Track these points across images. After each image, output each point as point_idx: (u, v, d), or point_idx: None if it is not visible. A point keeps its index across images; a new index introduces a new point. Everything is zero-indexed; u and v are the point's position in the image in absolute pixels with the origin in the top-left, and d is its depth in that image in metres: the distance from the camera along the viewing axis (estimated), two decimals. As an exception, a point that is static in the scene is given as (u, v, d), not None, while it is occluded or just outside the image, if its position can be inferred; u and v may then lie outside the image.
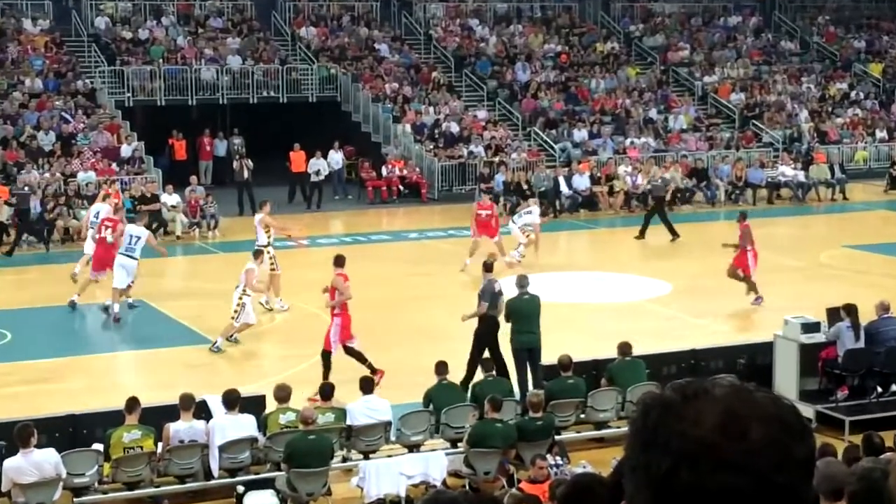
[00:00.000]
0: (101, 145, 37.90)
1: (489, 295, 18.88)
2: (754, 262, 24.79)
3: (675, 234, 32.68)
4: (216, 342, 21.71)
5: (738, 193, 40.60)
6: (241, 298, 21.70)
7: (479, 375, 17.46)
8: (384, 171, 40.68)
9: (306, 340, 22.15)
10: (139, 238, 24.27)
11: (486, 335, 18.64)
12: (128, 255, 24.04)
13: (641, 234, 32.92)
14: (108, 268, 24.13)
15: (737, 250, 24.96)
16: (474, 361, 18.21)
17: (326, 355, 18.86)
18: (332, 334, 18.85)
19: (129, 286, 24.25)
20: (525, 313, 18.44)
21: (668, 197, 35.53)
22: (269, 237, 24.39)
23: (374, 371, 18.42)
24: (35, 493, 13.68)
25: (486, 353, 18.32)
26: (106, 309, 24.19)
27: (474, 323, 18.95)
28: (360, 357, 18.92)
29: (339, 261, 19.71)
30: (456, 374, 16.97)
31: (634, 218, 37.78)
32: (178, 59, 43.51)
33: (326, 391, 16.13)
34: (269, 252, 24.00)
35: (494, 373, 17.19)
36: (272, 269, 24.02)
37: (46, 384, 19.54)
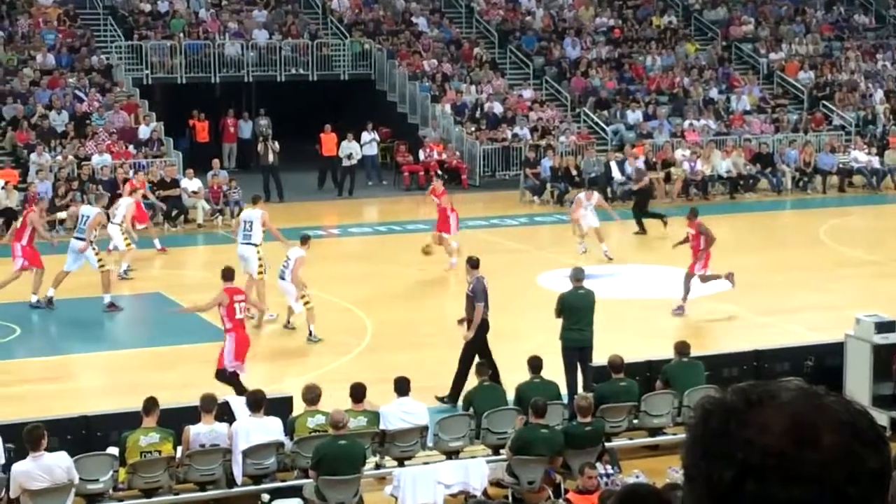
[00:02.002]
0: (118, 126, 38.11)
1: (482, 294, 18.83)
2: (704, 264, 24.11)
3: (643, 229, 32.32)
4: (311, 332, 22.05)
5: (806, 181, 40.41)
6: (303, 296, 22.00)
7: (472, 381, 17.43)
8: (421, 155, 40.70)
9: (338, 337, 22.23)
10: (88, 217, 24.75)
11: (476, 338, 18.61)
12: (79, 238, 24.60)
13: (664, 222, 32.54)
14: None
15: (703, 252, 24.23)
16: (465, 368, 18.28)
17: (221, 373, 18.07)
18: (227, 352, 18.05)
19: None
20: (579, 308, 18.41)
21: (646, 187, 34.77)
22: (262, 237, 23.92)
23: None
24: (45, 500, 13.77)
25: (480, 358, 18.35)
26: (51, 301, 24.41)
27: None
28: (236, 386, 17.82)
29: (228, 274, 19.24)
30: (502, 375, 16.94)
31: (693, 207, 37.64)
32: (199, 33, 43.67)
33: (357, 393, 16.14)
34: (259, 253, 23.52)
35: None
36: (260, 274, 23.43)
37: (58, 383, 19.68)
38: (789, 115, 45.04)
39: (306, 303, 22.24)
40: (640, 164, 37.42)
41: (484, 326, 18.74)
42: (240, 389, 17.41)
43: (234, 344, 18.03)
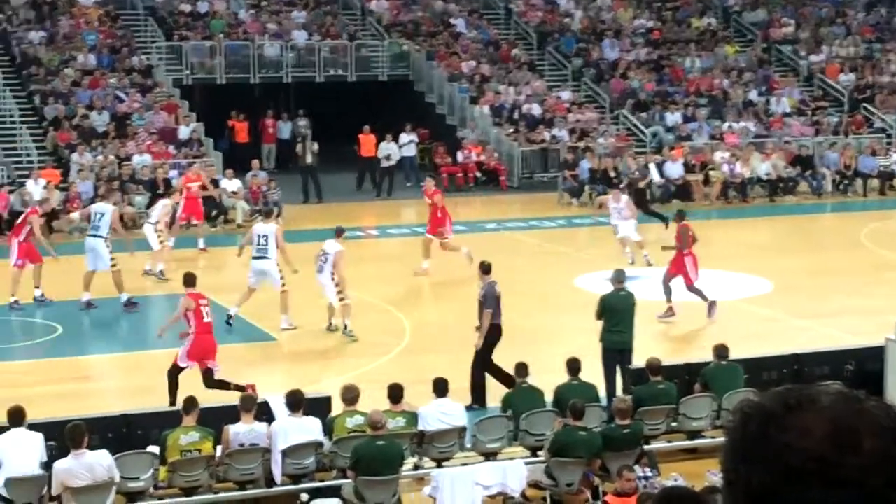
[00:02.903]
0: (158, 126, 38.33)
1: (492, 300, 18.79)
2: (694, 267, 23.73)
3: (664, 220, 32.04)
4: (346, 327, 22.20)
5: (846, 183, 40.22)
6: (336, 286, 22.09)
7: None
8: (460, 157, 40.72)
9: (376, 338, 22.28)
10: (102, 215, 24.81)
11: (486, 344, 18.60)
12: (93, 235, 24.68)
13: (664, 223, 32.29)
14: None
15: (687, 255, 23.81)
16: (493, 372, 18.27)
17: (207, 374, 18.14)
18: (182, 351, 18.12)
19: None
20: (620, 310, 18.40)
21: (643, 187, 34.44)
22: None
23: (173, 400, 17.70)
24: (87, 498, 13.86)
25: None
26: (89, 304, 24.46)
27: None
28: (220, 384, 17.92)
29: (189, 280, 19.14)
30: (537, 377, 16.95)
31: (732, 209, 37.60)
32: (239, 33, 43.87)
33: (395, 393, 16.17)
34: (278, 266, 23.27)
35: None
36: (283, 287, 23.12)
37: (99, 381, 19.83)
38: (829, 117, 44.82)
39: (342, 298, 22.30)
40: (652, 166, 37.24)
41: (495, 332, 18.71)
42: (173, 389, 17.68)
43: (189, 345, 18.08)
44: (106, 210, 25.07)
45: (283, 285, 22.89)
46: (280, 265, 22.97)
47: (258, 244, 23.00)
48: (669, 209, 36.83)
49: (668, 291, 23.40)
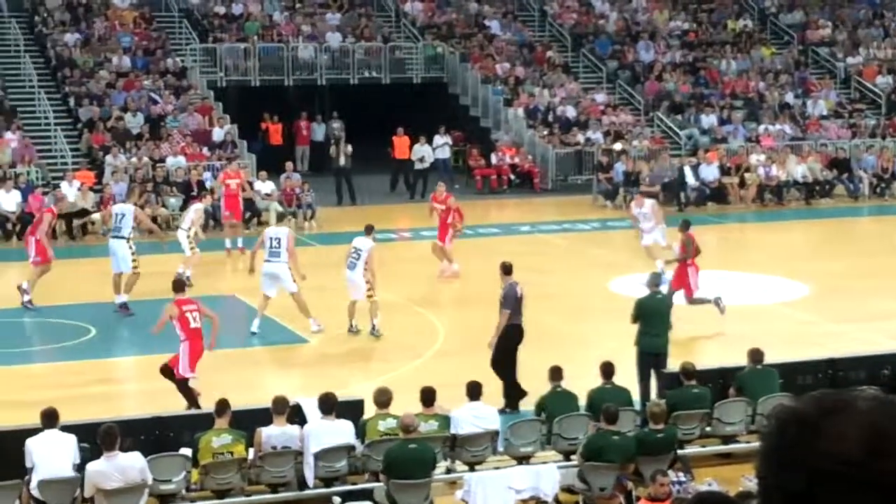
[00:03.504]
0: (192, 128, 38.46)
1: (512, 301, 18.75)
2: (695, 277, 23.30)
3: None
4: (374, 326, 22.28)
5: (883, 187, 40.02)
6: (367, 283, 22.20)
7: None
8: (494, 159, 40.72)
9: (409, 340, 22.29)
10: (124, 216, 24.84)
11: (507, 345, 18.56)
12: (115, 236, 24.71)
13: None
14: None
15: (690, 265, 23.38)
16: (503, 375, 18.23)
17: (182, 384, 18.20)
18: (182, 362, 18.12)
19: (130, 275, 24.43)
20: (656, 314, 18.35)
21: (656, 191, 34.11)
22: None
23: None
24: (119, 500, 13.90)
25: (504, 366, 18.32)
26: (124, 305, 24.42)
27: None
28: (189, 397, 18.02)
29: (177, 286, 19.20)
30: (571, 381, 16.92)
31: (768, 213, 37.47)
32: (273, 36, 43.98)
33: (428, 396, 16.16)
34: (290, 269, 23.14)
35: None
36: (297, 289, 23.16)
37: (131, 383, 19.89)
38: (867, 119, 44.60)
39: (370, 295, 22.31)
40: (688, 168, 37.06)
41: (517, 333, 18.67)
42: (191, 398, 17.75)
43: (188, 353, 18.12)
44: (126, 211, 25.08)
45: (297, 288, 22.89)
46: (292, 269, 22.99)
47: (270, 247, 22.92)
48: (705, 213, 36.84)
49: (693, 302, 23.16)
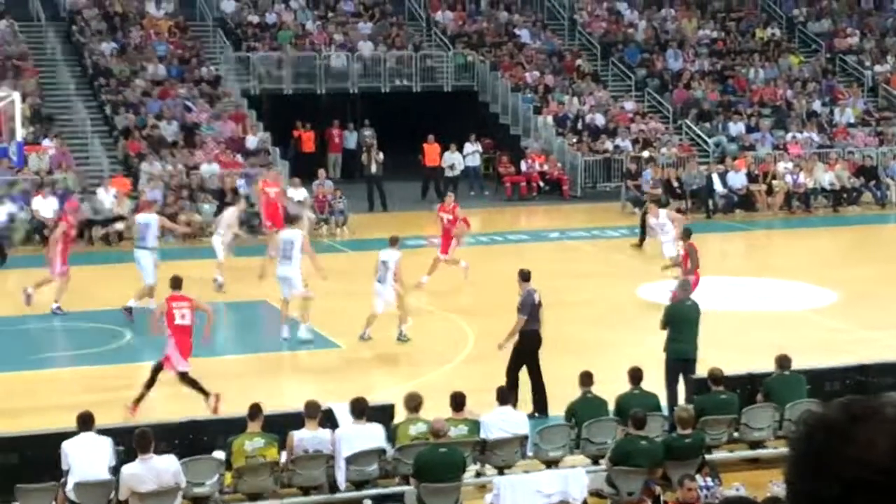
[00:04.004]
0: (226, 136, 38.56)
1: (529, 307, 18.72)
2: (694, 288, 22.77)
3: (641, 242, 31.44)
4: (401, 333, 22.35)
5: (911, 194, 39.81)
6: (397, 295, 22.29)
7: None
8: (523, 166, 40.70)
9: (440, 346, 22.29)
10: (148, 225, 24.78)
11: (525, 351, 18.52)
12: (139, 247, 24.67)
13: (640, 244, 31.51)
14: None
15: (689, 274, 22.91)
16: (513, 380, 18.17)
17: (183, 375, 18.49)
18: (173, 357, 18.40)
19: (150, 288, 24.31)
20: (686, 320, 18.28)
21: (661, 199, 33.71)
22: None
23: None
24: (154, 502, 13.95)
25: (515, 372, 18.25)
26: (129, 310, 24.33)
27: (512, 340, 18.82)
28: (195, 386, 18.37)
29: (175, 283, 19.38)
30: (599, 386, 16.88)
31: (795, 220, 37.34)
32: (306, 44, 44.08)
33: (458, 401, 16.16)
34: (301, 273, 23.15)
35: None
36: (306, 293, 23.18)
37: (166, 388, 19.90)
38: (894, 127, 44.34)
39: (400, 305, 22.37)
40: (715, 176, 36.83)
41: (535, 340, 18.64)
42: (196, 387, 18.19)
43: (175, 348, 18.41)
44: (150, 221, 25.06)
45: (306, 291, 22.88)
46: (304, 273, 22.96)
47: (283, 250, 22.99)
48: (733, 220, 36.73)
49: None
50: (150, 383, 18.37)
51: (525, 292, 18.91)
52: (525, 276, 19.24)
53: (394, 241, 23.09)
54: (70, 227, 25.68)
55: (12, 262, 29.72)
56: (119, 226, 29.67)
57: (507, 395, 16.45)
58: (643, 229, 31.17)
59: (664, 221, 27.28)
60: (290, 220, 25.20)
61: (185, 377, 18.37)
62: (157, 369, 18.44)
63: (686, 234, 24.09)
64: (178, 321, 18.50)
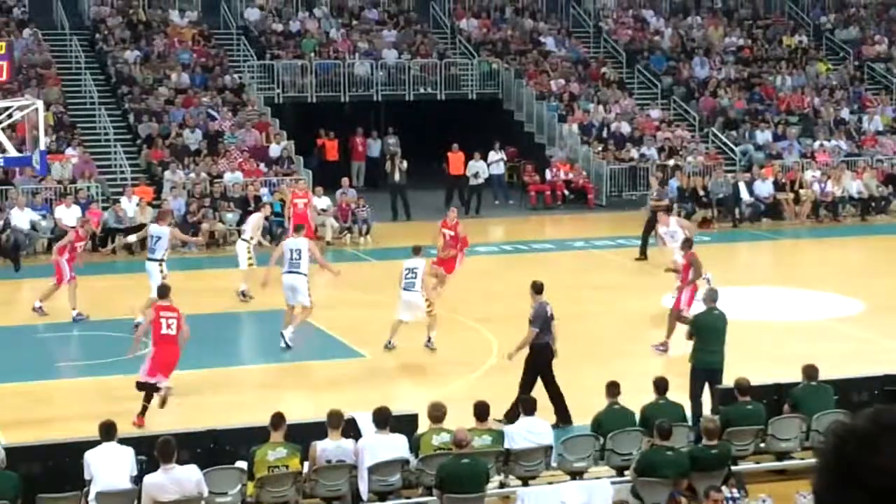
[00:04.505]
0: (249, 144, 38.66)
1: (541, 320, 18.66)
2: (691, 298, 22.61)
3: (643, 254, 31.13)
4: (429, 340, 22.39)
5: (940, 202, 39.64)
6: (428, 304, 22.34)
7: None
8: (548, 175, 40.68)
9: (464, 355, 22.27)
10: (159, 238, 24.80)
11: (538, 365, 18.46)
12: (150, 259, 24.73)
13: (642, 255, 31.27)
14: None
15: (688, 285, 22.82)
16: (526, 392, 18.11)
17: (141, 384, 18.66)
18: (143, 365, 18.69)
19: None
20: (713, 330, 18.22)
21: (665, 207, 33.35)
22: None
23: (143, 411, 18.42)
24: (176, 512, 13.97)
25: (532, 383, 18.22)
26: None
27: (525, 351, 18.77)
28: (148, 394, 18.55)
29: (162, 291, 19.58)
30: (624, 396, 16.82)
31: (823, 229, 37.22)
32: (330, 52, 44.16)
33: (482, 411, 16.14)
34: (308, 282, 22.99)
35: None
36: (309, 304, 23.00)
37: (188, 397, 19.96)
38: (923, 135, 44.21)
39: (430, 311, 22.37)
40: (742, 185, 36.68)
41: (547, 353, 18.59)
42: (147, 397, 18.38)
43: (148, 358, 18.62)
44: (163, 233, 25.00)
45: (310, 303, 22.84)
46: (309, 284, 22.92)
47: (290, 259, 22.93)
48: (760, 229, 36.63)
49: (671, 326, 22.75)
50: (148, 395, 18.54)
51: (537, 304, 18.87)
52: (538, 289, 19.19)
53: (417, 251, 23.11)
54: (78, 238, 25.78)
55: (30, 271, 29.79)
56: (131, 238, 29.66)
57: (532, 406, 16.41)
58: (644, 242, 31.02)
59: (675, 229, 27.09)
60: (295, 228, 25.05)
61: (142, 386, 18.53)
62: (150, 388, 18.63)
63: (687, 245, 23.96)
64: (164, 331, 18.63)
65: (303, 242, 23.27)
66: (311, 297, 22.87)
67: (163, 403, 18.57)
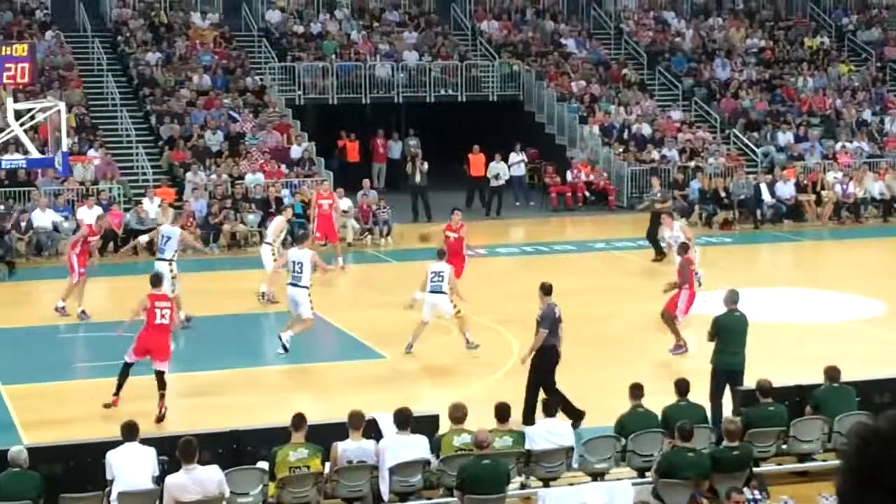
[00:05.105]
0: (270, 146, 38.72)
1: (549, 321, 18.60)
2: (688, 303, 22.67)
3: (660, 252, 30.89)
4: (468, 342, 22.41)
5: (962, 204, 39.47)
6: (454, 306, 22.41)
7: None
8: (569, 176, 40.65)
9: (485, 357, 22.27)
10: (169, 238, 24.92)
11: (544, 367, 18.41)
12: (159, 259, 24.85)
13: (659, 255, 30.97)
14: None
15: (673, 290, 22.85)
16: (532, 396, 18.06)
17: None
18: (134, 346, 19.26)
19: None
20: (734, 331, 18.17)
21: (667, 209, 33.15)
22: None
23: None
24: (197, 512, 13.99)
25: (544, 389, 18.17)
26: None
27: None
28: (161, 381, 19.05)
29: (155, 280, 19.96)
30: (645, 397, 16.79)
31: (844, 230, 37.10)
32: (351, 54, 44.20)
33: (503, 412, 16.12)
34: (310, 295, 22.85)
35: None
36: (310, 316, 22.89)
37: (210, 397, 20.00)
38: (946, 137, 44.04)
39: (458, 313, 22.39)
40: (763, 186, 36.58)
41: (552, 355, 18.53)
42: (121, 380, 19.09)
43: (135, 341, 19.14)
44: (173, 234, 25.08)
45: (311, 314, 22.79)
46: (311, 296, 22.84)
47: (293, 271, 22.73)
48: (781, 230, 36.53)
49: (674, 329, 22.73)
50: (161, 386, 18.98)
51: (546, 306, 18.83)
52: (547, 290, 19.16)
53: (441, 255, 23.11)
54: (92, 232, 25.94)
55: (52, 272, 29.85)
56: (143, 238, 29.70)
57: (553, 407, 16.40)
58: (656, 243, 30.90)
59: (678, 234, 27.02)
60: (299, 239, 24.85)
61: (127, 367, 19.13)
62: (159, 373, 19.00)
63: (683, 249, 23.90)
64: (158, 320, 19.03)
65: (305, 255, 23.04)
66: (313, 308, 22.75)
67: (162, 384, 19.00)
